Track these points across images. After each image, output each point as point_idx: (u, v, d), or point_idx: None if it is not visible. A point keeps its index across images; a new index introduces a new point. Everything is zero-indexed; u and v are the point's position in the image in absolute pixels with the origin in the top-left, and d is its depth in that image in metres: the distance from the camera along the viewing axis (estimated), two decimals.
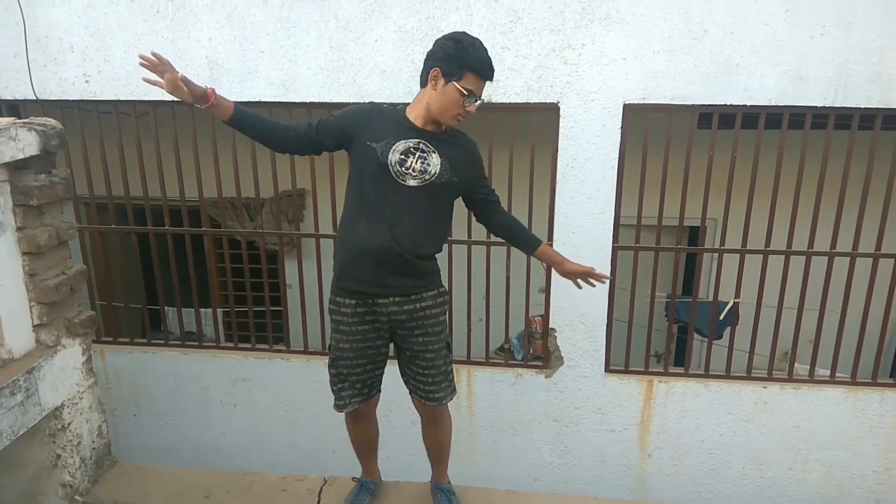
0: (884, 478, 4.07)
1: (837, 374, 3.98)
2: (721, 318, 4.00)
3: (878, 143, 3.55)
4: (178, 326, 4.57)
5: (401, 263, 2.30)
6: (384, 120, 2.30)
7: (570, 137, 3.68)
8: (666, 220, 3.85)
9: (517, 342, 4.30)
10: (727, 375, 4.04)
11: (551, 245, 3.85)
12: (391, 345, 2.52)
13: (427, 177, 2.27)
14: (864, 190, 3.64)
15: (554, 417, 4.21)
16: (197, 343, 4.48)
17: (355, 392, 2.49)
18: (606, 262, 3.86)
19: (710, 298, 4.10)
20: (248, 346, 4.40)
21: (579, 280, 2.53)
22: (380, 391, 2.59)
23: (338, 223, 2.51)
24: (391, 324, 2.39)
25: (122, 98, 3.95)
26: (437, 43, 2.24)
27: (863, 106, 3.46)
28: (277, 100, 3.80)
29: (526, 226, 2.72)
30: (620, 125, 3.64)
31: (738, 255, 3.88)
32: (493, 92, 3.66)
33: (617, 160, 3.71)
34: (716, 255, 4.09)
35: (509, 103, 3.66)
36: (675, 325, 4.32)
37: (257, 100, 3.81)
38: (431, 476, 2.80)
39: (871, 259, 3.78)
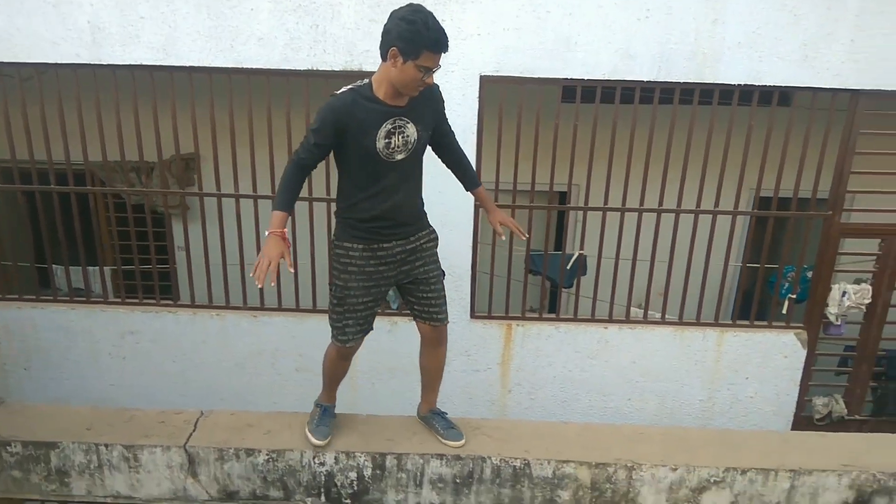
0: (708, 405, 4.73)
1: (667, 316, 4.59)
2: (568, 267, 4.53)
3: (696, 115, 4.12)
4: (66, 283, 4.72)
5: (402, 220, 2.68)
6: (361, 111, 2.47)
7: None
8: (534, 185, 4.31)
9: (392, 293, 4.69)
10: (574, 318, 4.58)
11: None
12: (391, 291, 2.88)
13: (410, 146, 2.58)
14: (685, 156, 4.21)
15: None
16: (85, 298, 4.65)
17: (358, 329, 2.80)
18: (469, 218, 4.30)
19: (570, 252, 4.63)
20: (136, 299, 4.62)
21: (500, 228, 2.88)
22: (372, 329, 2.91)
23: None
24: (396, 262, 2.73)
25: (2, 60, 4.05)
26: (393, 21, 2.38)
27: (682, 81, 4.01)
28: (158, 63, 4.01)
29: None
30: (478, 94, 4.06)
31: (581, 212, 4.41)
32: (365, 61, 4.01)
33: (476, 126, 4.13)
34: (580, 215, 4.60)
35: None
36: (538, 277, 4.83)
37: (138, 63, 4.01)
38: (423, 405, 3.15)
39: (693, 215, 4.38)
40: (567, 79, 4.01)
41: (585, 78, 3.99)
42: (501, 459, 3.02)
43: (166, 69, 4.04)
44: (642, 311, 4.60)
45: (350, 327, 2.79)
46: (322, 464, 3.04)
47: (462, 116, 4.10)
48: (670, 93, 4.10)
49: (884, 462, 3.04)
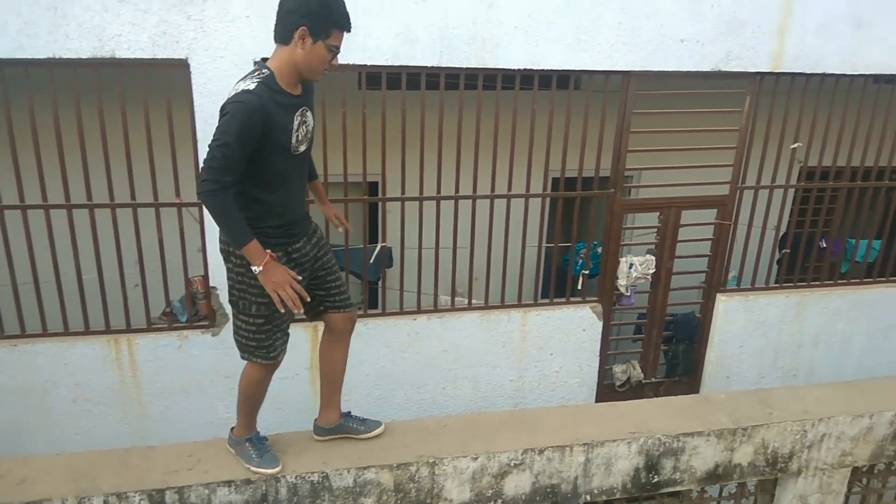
0: (518, 384, 4.82)
1: (474, 301, 4.61)
2: (371, 261, 4.39)
3: (482, 100, 4.12)
4: None
5: (301, 215, 2.57)
6: (275, 108, 2.25)
7: (204, 94, 3.73)
8: (326, 175, 4.08)
9: (179, 305, 4.29)
10: (383, 313, 4.45)
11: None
12: None
13: (310, 135, 2.45)
14: (475, 142, 4.21)
15: (225, 374, 4.28)
16: None
17: (286, 339, 2.68)
18: None
19: (379, 245, 4.48)
20: None
21: (336, 220, 2.92)
22: None
23: None
24: (309, 260, 2.58)
25: None
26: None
27: (465, 66, 3.98)
28: None
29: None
30: None
31: (381, 203, 4.28)
32: (117, 47, 3.57)
33: None
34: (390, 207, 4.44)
35: (135, 59, 3.59)
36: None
37: None
38: (331, 413, 2.98)
39: (489, 200, 4.41)
40: (349, 65, 3.82)
41: (368, 64, 3.84)
42: (297, 476, 2.82)
43: None
44: (450, 298, 4.58)
45: (279, 340, 2.65)
46: None
47: None
48: (456, 78, 4.07)
49: (667, 425, 3.20)
